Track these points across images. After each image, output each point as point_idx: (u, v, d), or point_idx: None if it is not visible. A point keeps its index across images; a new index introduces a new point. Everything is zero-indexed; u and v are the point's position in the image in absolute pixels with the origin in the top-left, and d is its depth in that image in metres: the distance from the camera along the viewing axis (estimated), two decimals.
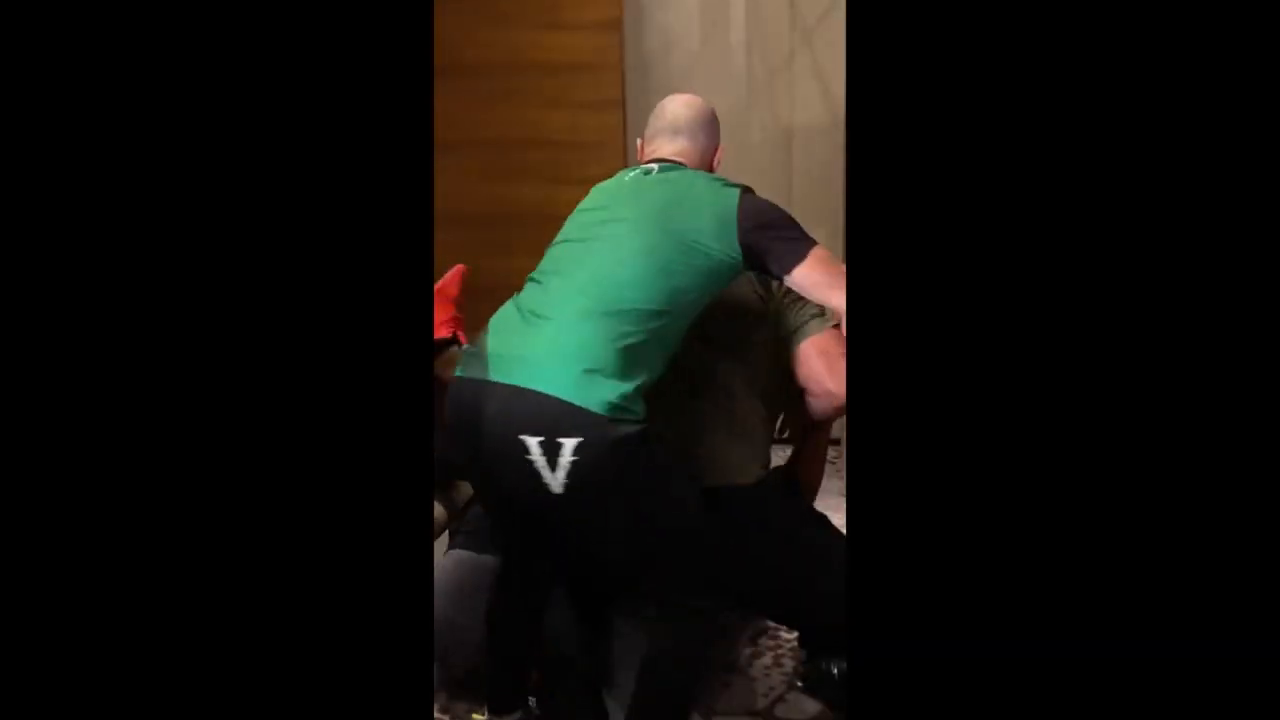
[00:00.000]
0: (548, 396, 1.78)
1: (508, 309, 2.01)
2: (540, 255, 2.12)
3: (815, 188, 3.92)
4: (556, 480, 1.78)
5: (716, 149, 2.24)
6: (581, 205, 2.15)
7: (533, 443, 1.78)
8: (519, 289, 2.06)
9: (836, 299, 1.96)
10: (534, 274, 2.05)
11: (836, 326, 2.23)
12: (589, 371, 1.81)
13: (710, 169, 2.22)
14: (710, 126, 2.22)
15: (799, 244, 1.97)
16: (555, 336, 1.86)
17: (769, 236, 1.97)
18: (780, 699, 2.56)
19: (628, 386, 1.82)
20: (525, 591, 2.10)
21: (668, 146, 2.19)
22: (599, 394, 1.79)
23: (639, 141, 2.29)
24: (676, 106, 2.23)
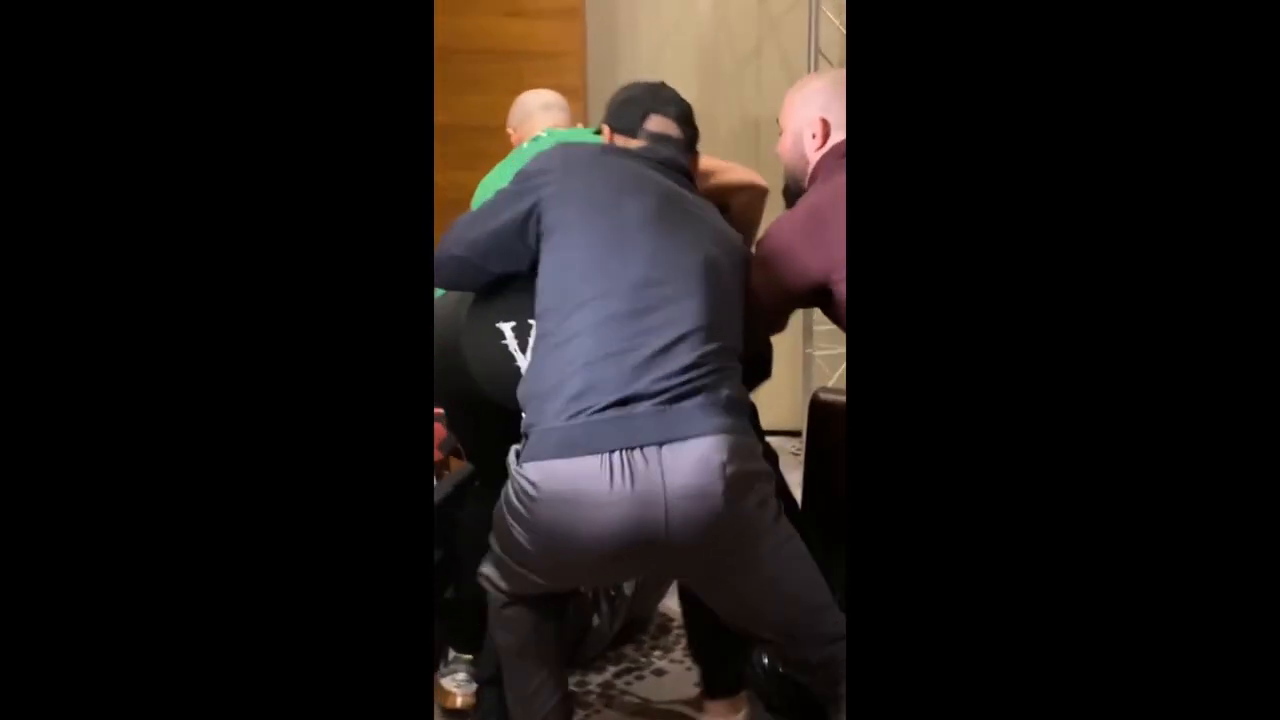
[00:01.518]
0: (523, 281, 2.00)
1: None
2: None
3: (780, 181, 3.88)
4: (525, 361, 1.99)
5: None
6: None
7: (507, 328, 2.01)
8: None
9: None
10: None
11: None
12: None
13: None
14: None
15: None
16: None
17: None
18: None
19: None
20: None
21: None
22: None
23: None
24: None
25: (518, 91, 3.66)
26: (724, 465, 1.69)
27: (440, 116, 3.64)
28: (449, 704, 2.46)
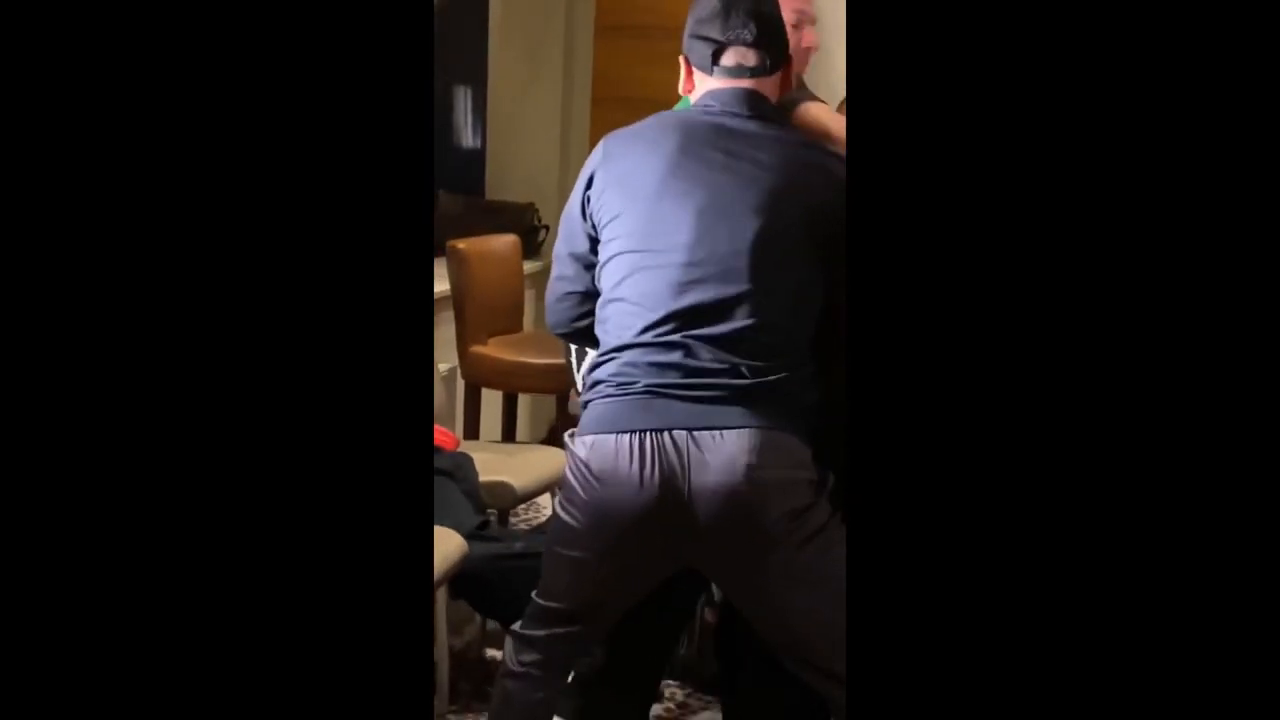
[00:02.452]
0: None
1: None
2: None
3: None
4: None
5: None
6: None
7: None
8: None
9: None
10: None
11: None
12: None
13: None
14: None
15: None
16: None
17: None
18: None
19: None
20: None
21: None
22: None
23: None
24: None
25: None
26: (750, 467, 1.66)
27: (636, 90, 3.74)
28: None
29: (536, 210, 4.03)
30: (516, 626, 1.91)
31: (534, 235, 4.00)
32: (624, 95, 3.93)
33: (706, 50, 1.84)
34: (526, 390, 3.41)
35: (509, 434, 3.47)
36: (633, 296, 1.75)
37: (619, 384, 1.74)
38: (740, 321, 1.71)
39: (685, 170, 1.76)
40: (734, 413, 1.68)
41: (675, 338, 1.71)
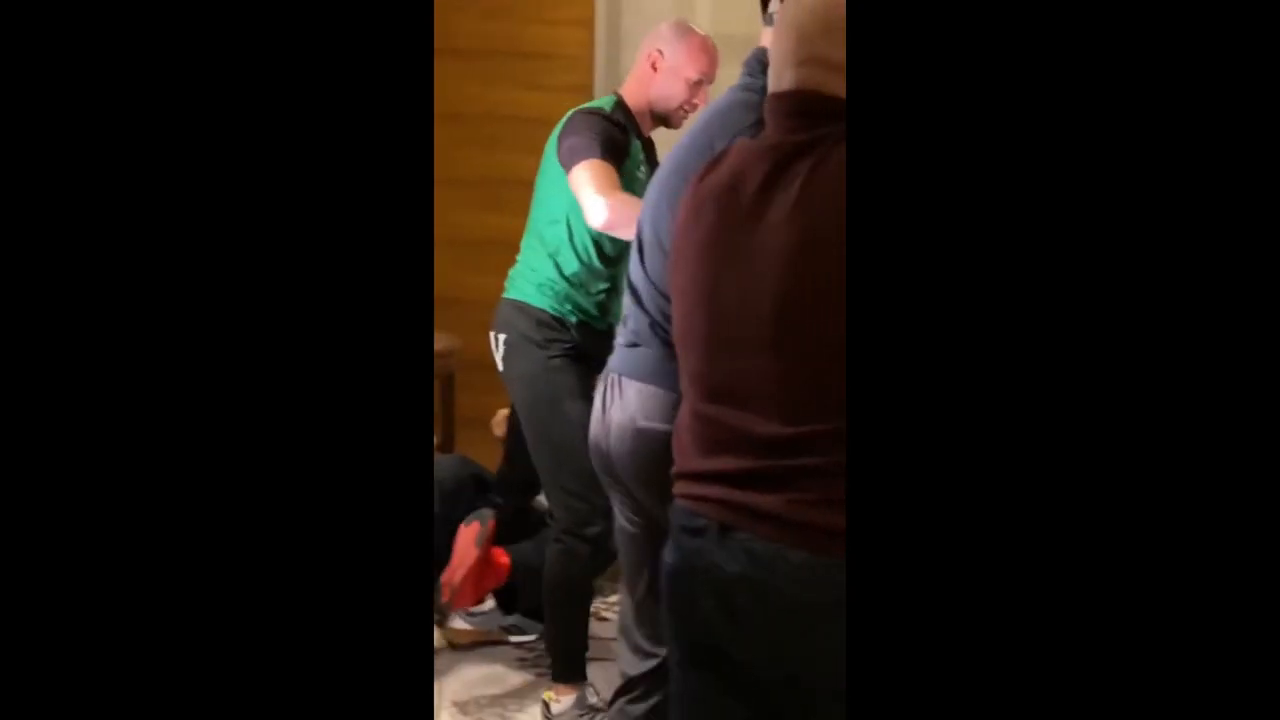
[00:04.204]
0: (509, 300, 2.65)
1: None
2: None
3: None
4: (499, 359, 2.65)
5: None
6: None
7: (493, 336, 2.67)
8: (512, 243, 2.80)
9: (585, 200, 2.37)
10: None
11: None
12: (524, 276, 2.64)
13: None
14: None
15: (577, 154, 2.41)
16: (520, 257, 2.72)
17: (563, 147, 2.48)
18: None
19: (541, 281, 2.59)
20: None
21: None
22: (530, 295, 2.61)
23: None
24: None
25: (534, 88, 4.14)
26: (634, 416, 1.88)
27: (468, 106, 4.31)
28: None
29: None
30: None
31: None
32: (455, 111, 4.22)
33: None
34: None
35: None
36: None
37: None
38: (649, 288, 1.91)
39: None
40: (639, 367, 1.90)
41: (625, 306, 2.00)
